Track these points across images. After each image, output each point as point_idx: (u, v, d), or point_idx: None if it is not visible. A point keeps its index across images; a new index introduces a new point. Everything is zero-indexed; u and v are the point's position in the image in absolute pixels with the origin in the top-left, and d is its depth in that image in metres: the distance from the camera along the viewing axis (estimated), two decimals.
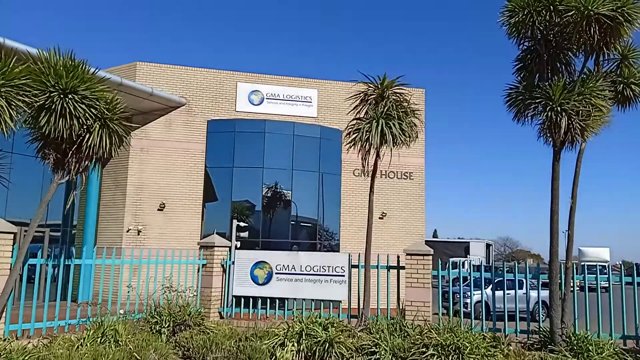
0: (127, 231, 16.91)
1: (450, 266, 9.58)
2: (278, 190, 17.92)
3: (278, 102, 18.29)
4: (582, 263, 9.37)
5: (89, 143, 7.10)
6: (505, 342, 8.28)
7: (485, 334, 8.52)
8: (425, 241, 23.28)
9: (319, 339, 8.52)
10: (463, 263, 11.20)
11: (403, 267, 9.96)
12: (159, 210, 17.08)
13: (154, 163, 17.33)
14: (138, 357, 7.59)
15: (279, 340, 8.65)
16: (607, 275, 9.08)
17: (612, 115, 8.86)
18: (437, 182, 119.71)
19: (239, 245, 12.75)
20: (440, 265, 9.83)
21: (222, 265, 10.90)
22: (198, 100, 17.88)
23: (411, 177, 19.27)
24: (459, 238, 54.86)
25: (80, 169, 7.46)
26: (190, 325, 9.41)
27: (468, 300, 10.18)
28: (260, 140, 17.67)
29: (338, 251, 17.69)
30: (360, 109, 10.27)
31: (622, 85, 8.97)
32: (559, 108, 8.30)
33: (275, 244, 17.10)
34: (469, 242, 46.86)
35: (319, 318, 9.16)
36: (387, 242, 18.13)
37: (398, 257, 10.21)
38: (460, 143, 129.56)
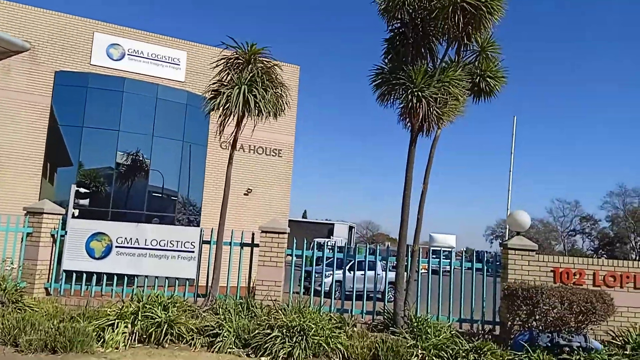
0: None
1: (308, 246, 9.31)
2: (135, 156, 16.43)
3: (141, 60, 16.68)
4: (431, 248, 9.66)
5: None
6: (350, 324, 8.24)
7: (333, 315, 8.42)
8: (290, 220, 23.19)
9: (157, 319, 7.77)
10: (325, 243, 11.27)
11: (257, 245, 9.52)
12: None
13: None
14: None
15: (110, 321, 7.73)
16: (449, 260, 9.47)
17: (467, 106, 9.15)
18: (309, 163, 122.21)
19: (76, 214, 11.34)
20: (294, 245, 9.55)
21: (52, 235, 9.54)
22: (45, 47, 15.63)
23: (280, 155, 18.90)
24: (326, 220, 56.52)
25: None
26: (4, 302, 8.08)
27: (326, 280, 10.05)
28: (117, 99, 15.97)
29: (199, 226, 16.80)
30: (225, 75, 9.54)
31: (478, 77, 9.30)
32: (419, 93, 8.33)
33: (129, 215, 15.71)
34: (333, 224, 48.55)
35: (161, 297, 8.38)
36: (251, 219, 17.64)
37: (253, 234, 9.73)
38: (333, 124, 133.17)
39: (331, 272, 16.09)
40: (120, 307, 7.99)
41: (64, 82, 15.69)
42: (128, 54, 16.49)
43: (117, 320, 7.69)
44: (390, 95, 8.91)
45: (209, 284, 9.32)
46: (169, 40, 17.27)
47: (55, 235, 9.54)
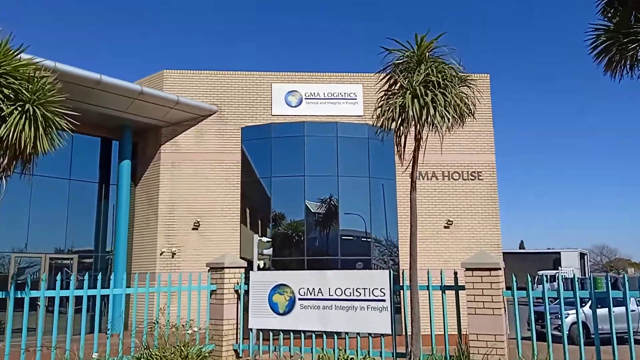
0: (161, 254, 15.42)
1: (533, 280, 6.93)
2: (324, 200, 15.75)
3: (318, 101, 16.24)
4: None
5: (2, 135, 5.38)
6: None
7: None
8: (505, 253, 20.04)
9: None
10: (554, 277, 8.52)
11: (463, 287, 7.43)
12: (193, 229, 15.48)
13: (186, 178, 15.81)
14: None
15: None
16: None
17: None
18: (519, 185, 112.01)
19: (262, 266, 10.68)
20: (515, 283, 7.20)
21: (237, 291, 8.86)
22: (230, 106, 16.23)
23: (480, 178, 16.41)
24: (548, 248, 48.85)
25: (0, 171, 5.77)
26: None
27: (566, 321, 7.42)
28: (299, 144, 15.64)
29: (398, 268, 15.23)
30: (393, 84, 7.98)
31: None
32: None
33: (323, 262, 14.87)
34: (559, 253, 41.17)
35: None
36: (456, 255, 15.43)
37: (455, 273, 7.65)
38: (537, 139, 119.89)
39: (570, 312, 12.83)
40: None
41: (250, 137, 16.00)
42: (305, 98, 16.22)
43: None
44: (622, 60, 6.29)
45: (408, 339, 7.49)
46: (343, 77, 16.61)
47: (240, 291, 8.84)
